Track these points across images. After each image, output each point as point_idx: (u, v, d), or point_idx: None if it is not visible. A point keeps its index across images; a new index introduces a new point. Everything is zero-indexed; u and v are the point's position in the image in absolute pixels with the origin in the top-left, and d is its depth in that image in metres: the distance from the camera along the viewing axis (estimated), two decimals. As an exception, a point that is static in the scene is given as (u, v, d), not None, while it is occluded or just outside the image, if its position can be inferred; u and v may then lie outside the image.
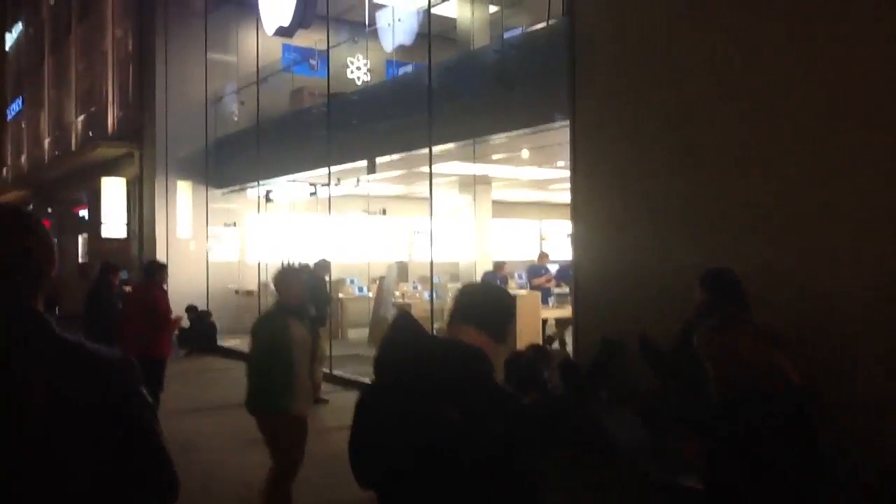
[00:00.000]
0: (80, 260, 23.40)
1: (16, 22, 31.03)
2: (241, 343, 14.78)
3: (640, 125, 6.58)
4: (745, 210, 5.80)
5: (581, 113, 6.97)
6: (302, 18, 11.87)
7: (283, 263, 5.41)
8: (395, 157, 11.17)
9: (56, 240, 25.49)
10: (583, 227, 7.17)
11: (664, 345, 5.76)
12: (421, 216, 19.57)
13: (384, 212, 14.52)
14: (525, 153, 13.25)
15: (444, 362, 2.35)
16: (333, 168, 12.07)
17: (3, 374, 1.50)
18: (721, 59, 5.98)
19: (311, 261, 9.59)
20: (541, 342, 10.68)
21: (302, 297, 4.97)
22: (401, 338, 2.74)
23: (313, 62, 15.85)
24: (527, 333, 9.95)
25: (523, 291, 12.27)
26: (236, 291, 16.67)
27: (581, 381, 6.55)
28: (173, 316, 8.03)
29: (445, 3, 15.21)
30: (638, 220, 6.64)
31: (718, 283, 4.04)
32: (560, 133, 9.33)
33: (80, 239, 23.55)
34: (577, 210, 7.18)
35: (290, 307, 4.75)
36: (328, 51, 12.59)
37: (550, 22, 8.55)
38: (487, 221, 16.30)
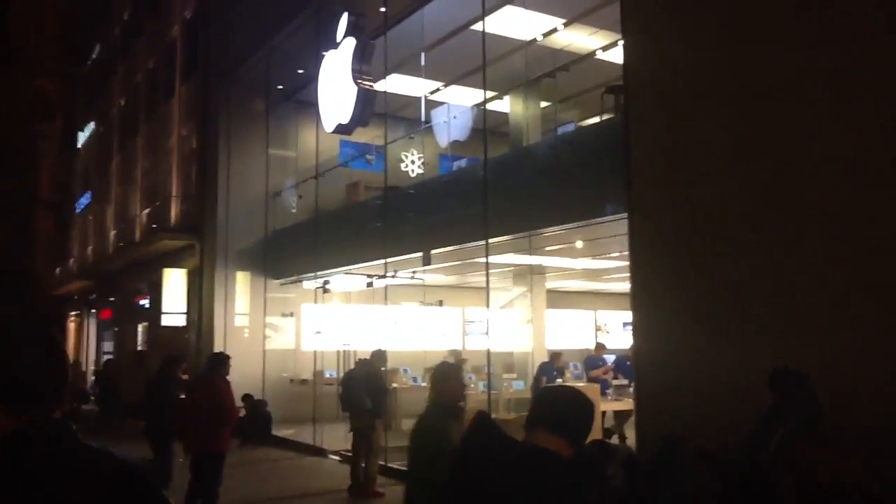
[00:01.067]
0: (138, 347, 23.90)
1: (88, 122, 32.84)
2: (294, 433, 14.81)
3: (696, 216, 6.61)
4: (813, 305, 5.72)
5: (638, 205, 7.02)
6: (360, 116, 12.34)
7: (444, 359, 5.16)
8: (451, 248, 11.32)
9: (116, 328, 26.33)
10: (643, 319, 7.12)
11: (729, 451, 5.63)
12: (474, 306, 19.69)
13: (440, 303, 14.60)
14: (579, 244, 13.34)
15: (524, 470, 2.35)
16: (389, 259, 12.29)
17: (25, 485, 1.59)
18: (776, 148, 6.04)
19: (362, 350, 9.64)
20: (600, 436, 10.44)
21: (461, 395, 4.53)
22: (478, 439, 2.74)
23: (370, 157, 16.39)
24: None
25: (581, 383, 12.09)
26: (291, 380, 16.79)
27: (645, 478, 6.35)
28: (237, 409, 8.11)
29: (499, 100, 15.86)
30: (699, 312, 6.58)
31: (789, 384, 3.94)
32: (614, 225, 9.46)
33: (140, 327, 24.12)
34: (637, 301, 7.15)
35: (447, 407, 4.33)
36: (385, 146, 13.01)
37: (604, 117, 8.75)
38: (542, 311, 16.24)
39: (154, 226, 21.27)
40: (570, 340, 20.30)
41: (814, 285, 5.75)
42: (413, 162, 18.32)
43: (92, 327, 30.71)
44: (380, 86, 12.88)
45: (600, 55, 13.24)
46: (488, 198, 9.52)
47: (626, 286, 22.21)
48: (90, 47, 33.81)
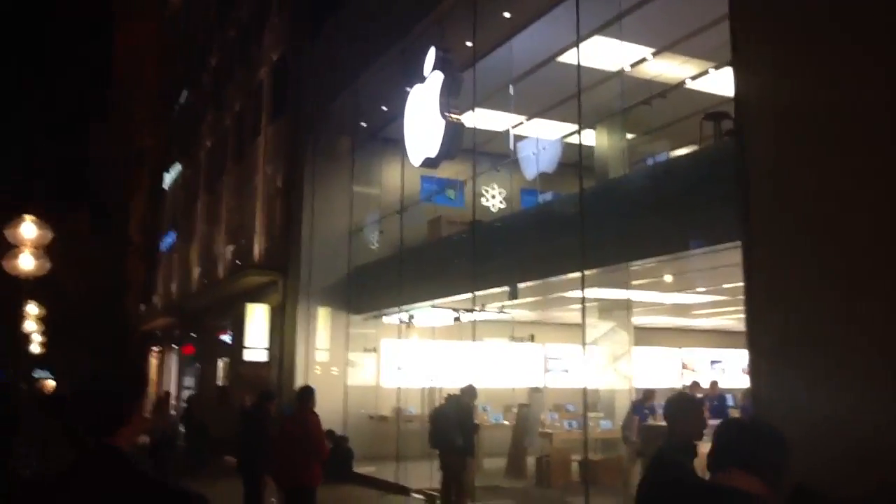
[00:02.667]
0: (218, 383, 24.21)
1: (174, 163, 34.04)
2: (375, 470, 14.58)
3: (824, 249, 6.17)
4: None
5: (757, 237, 6.60)
6: (449, 150, 12.30)
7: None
8: (539, 282, 11.05)
9: (198, 364, 26.81)
10: (762, 358, 6.62)
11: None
12: (555, 343, 19.25)
13: (532, 338, 14.30)
14: (668, 278, 12.88)
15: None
16: (477, 293, 12.09)
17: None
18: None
19: (448, 386, 9.38)
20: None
21: (700, 432, 4.00)
22: (667, 478, 2.47)
23: (452, 192, 16.35)
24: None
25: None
26: (370, 417, 16.65)
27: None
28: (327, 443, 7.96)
29: (583, 132, 15.63)
30: (828, 352, 6.09)
31: None
32: (711, 257, 9.05)
33: (220, 363, 24.47)
34: (755, 339, 6.68)
35: (685, 445, 3.79)
36: (474, 180, 12.92)
37: (705, 144, 8.40)
38: (628, 348, 15.69)
39: (238, 262, 21.66)
40: (655, 379, 19.66)
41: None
42: (493, 196, 18.25)
43: (173, 363, 31.40)
44: (465, 119, 12.81)
45: (689, 84, 12.93)
46: (585, 228, 9.22)
47: (713, 322, 21.48)
48: (178, 93, 35.21)
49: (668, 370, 21.10)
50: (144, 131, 43.48)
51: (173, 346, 30.80)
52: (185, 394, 26.34)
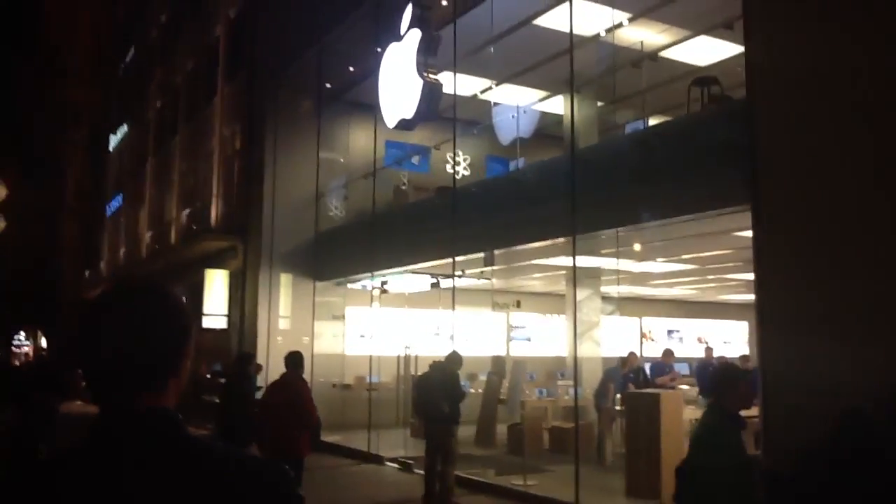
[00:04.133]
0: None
1: (121, 124, 32.70)
2: (342, 438, 14.32)
3: (833, 222, 6.08)
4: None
5: (768, 209, 6.46)
6: (426, 111, 11.93)
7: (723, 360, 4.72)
8: (532, 246, 10.86)
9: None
10: (770, 327, 6.54)
11: None
12: (532, 312, 19.20)
13: (518, 304, 14.15)
14: (637, 247, 12.84)
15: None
16: (455, 259, 11.85)
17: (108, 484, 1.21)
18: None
19: (424, 355, 9.13)
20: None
21: (749, 402, 3.98)
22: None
23: (416, 158, 16.03)
24: (673, 438, 9.21)
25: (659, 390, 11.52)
26: (334, 385, 16.34)
27: (787, 493, 5.84)
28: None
29: (553, 99, 15.43)
30: (834, 322, 6.03)
31: None
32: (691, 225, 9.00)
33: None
34: (764, 309, 6.58)
35: (731, 415, 3.78)
36: (455, 145, 12.62)
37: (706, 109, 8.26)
38: (598, 316, 15.67)
39: (195, 227, 20.93)
40: (617, 347, 19.83)
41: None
42: (458, 164, 17.95)
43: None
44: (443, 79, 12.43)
45: (665, 53, 12.81)
46: (575, 191, 9.02)
47: (671, 292, 21.70)
48: (124, 52, 33.72)
49: (628, 339, 21.30)
50: (77, 80, 41.51)
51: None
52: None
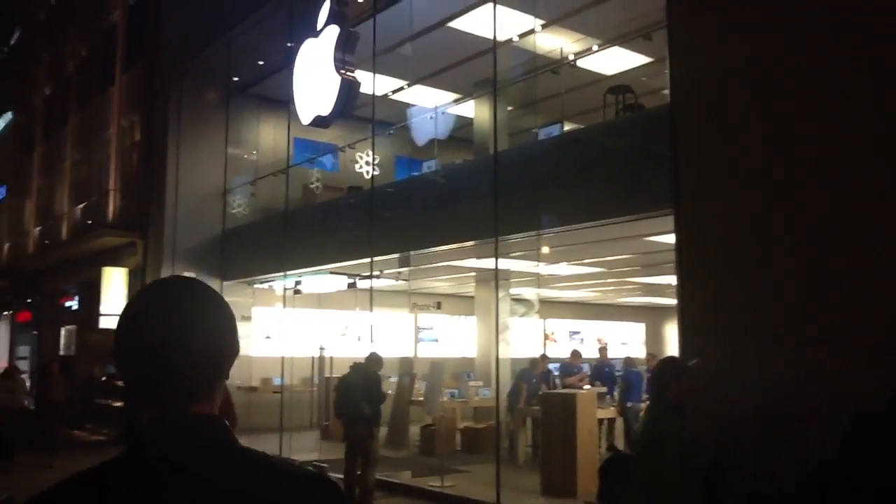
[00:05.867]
0: (60, 352, 22.25)
1: (4, 111, 30.69)
2: (249, 441, 13.80)
3: (744, 227, 6.38)
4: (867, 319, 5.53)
5: (687, 214, 6.71)
6: (343, 108, 11.75)
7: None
8: (444, 248, 10.88)
9: (36, 332, 24.55)
10: (691, 332, 6.78)
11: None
12: (427, 314, 19.20)
13: (439, 305, 14.12)
14: (545, 249, 13.09)
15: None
16: (345, 263, 11.74)
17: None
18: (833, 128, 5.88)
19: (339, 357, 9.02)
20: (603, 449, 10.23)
21: (687, 395, 4.10)
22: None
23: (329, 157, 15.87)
24: (588, 437, 9.45)
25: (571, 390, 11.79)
26: (238, 387, 15.89)
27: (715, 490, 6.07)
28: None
29: (464, 103, 15.53)
30: (747, 325, 6.32)
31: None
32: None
33: (63, 331, 22.51)
34: (685, 311, 6.82)
35: (675, 406, 3.93)
36: (373, 145, 12.49)
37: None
38: (506, 318, 15.90)
39: (90, 222, 19.88)
40: (520, 348, 20.20)
41: (870, 299, 5.58)
42: (367, 163, 17.81)
43: (3, 330, 28.53)
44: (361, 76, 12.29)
45: (579, 62, 13.11)
46: (497, 194, 9.10)
47: (573, 294, 22.24)
48: (8, 33, 31.65)
49: (532, 340, 21.70)
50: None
51: (4, 312, 27.93)
52: (22, 365, 23.97)
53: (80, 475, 1.16)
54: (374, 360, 9.24)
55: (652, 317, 26.41)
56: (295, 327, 14.34)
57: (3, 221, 29.06)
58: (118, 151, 19.62)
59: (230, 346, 1.26)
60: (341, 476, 9.17)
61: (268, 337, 16.42)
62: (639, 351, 22.51)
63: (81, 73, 23.00)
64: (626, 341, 25.05)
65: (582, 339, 23.96)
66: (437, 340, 20.91)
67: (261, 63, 16.21)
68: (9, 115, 29.99)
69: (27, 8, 28.93)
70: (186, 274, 16.26)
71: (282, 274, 13.87)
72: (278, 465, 1.22)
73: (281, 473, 1.21)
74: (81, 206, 21.13)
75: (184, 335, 1.19)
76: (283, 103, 14.83)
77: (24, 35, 29.68)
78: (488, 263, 12.91)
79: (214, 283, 16.05)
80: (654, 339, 25.84)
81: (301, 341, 14.35)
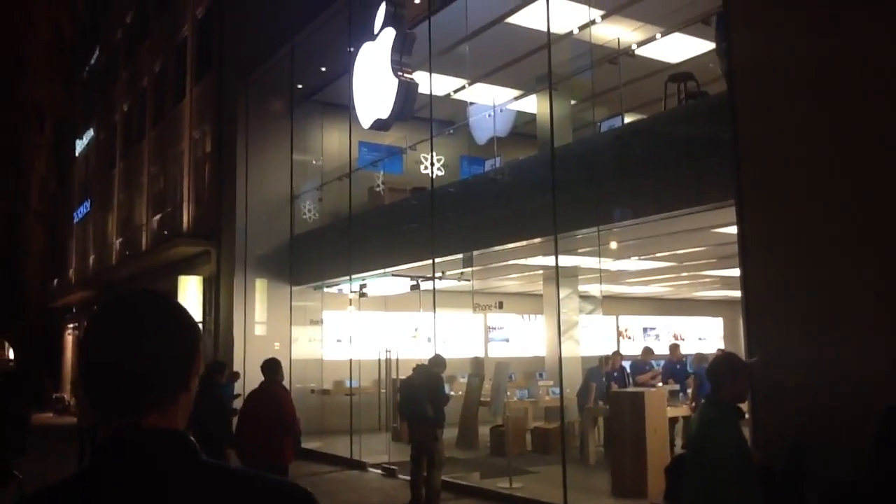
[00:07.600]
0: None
1: (87, 129, 32.07)
2: (322, 444, 14.13)
3: (813, 216, 6.05)
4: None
5: (751, 203, 6.41)
6: (402, 110, 11.78)
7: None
8: (500, 248, 10.75)
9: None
10: (757, 322, 6.48)
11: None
12: (499, 312, 19.07)
13: (500, 305, 14.02)
14: (613, 245, 12.79)
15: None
16: (413, 264, 11.70)
17: None
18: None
19: (405, 358, 8.98)
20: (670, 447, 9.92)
21: (745, 393, 3.91)
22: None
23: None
24: (656, 436, 9.17)
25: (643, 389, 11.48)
26: (312, 390, 16.14)
27: (780, 490, 5.80)
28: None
29: (526, 98, 15.34)
30: (818, 316, 6.01)
31: None
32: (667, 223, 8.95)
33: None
34: (751, 304, 6.53)
35: (730, 407, 3.66)
36: (431, 145, 12.49)
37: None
38: (577, 315, 15.64)
39: (166, 232, 20.55)
40: (595, 346, 19.83)
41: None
42: (432, 164, 17.81)
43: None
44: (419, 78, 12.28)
45: (638, 51, 12.77)
46: (556, 191, 8.92)
47: (645, 290, 21.68)
48: (89, 53, 33.08)
49: (606, 338, 21.30)
50: (37, 76, 40.46)
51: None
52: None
53: (37, 493, 1.17)
54: (436, 363, 9.20)
55: (730, 311, 25.54)
56: (363, 330, 14.45)
57: (89, 234, 30.37)
58: (191, 162, 20.21)
59: (185, 359, 1.23)
60: (408, 478, 9.17)
61: (339, 340, 16.61)
62: (716, 346, 21.84)
63: (156, 88, 23.82)
64: (704, 336, 24.32)
65: (657, 336, 23.40)
66: (507, 340, 20.74)
67: (323, 69, 16.41)
68: (91, 132, 31.30)
69: (105, 28, 30.17)
70: (258, 280, 16.69)
71: (347, 277, 13.98)
72: (241, 477, 1.20)
73: (244, 484, 1.19)
74: (158, 216, 21.85)
75: (128, 351, 1.17)
76: (346, 108, 14.95)
77: (103, 54, 30.93)
78: (552, 261, 12.77)
79: (284, 289, 16.38)
80: (732, 333, 25.00)
81: (369, 343, 14.44)
